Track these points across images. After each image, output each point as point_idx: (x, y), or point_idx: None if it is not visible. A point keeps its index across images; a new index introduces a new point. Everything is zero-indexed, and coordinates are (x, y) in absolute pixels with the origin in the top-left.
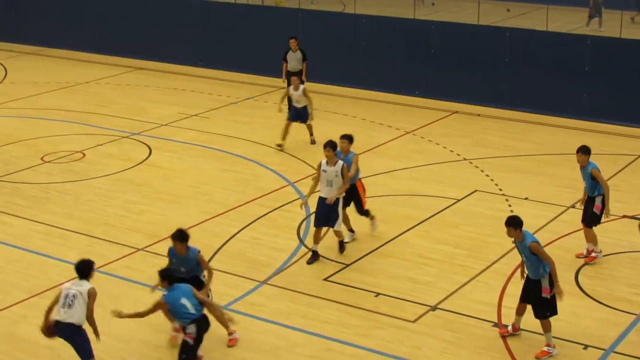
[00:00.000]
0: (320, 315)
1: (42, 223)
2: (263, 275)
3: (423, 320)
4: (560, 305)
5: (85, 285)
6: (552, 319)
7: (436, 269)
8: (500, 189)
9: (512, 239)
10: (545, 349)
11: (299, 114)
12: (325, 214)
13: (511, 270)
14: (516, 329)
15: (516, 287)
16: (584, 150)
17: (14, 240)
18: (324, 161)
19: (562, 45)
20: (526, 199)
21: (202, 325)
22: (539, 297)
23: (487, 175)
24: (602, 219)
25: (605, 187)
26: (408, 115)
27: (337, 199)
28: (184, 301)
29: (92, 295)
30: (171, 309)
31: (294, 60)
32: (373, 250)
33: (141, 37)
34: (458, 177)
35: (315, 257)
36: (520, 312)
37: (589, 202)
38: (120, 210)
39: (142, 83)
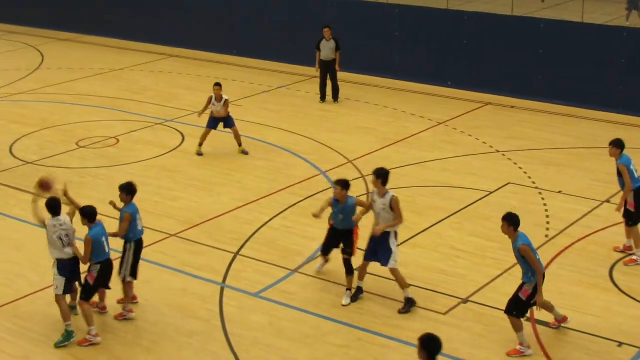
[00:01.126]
0: (351, 305)
1: None
2: (294, 263)
3: (454, 313)
4: (593, 301)
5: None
6: (584, 314)
7: (468, 262)
8: (534, 182)
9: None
10: (518, 347)
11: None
12: (372, 248)
13: (544, 265)
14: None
15: (549, 281)
16: (616, 144)
17: None
18: (375, 190)
19: (598, 37)
20: (560, 192)
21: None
22: (517, 294)
23: (520, 168)
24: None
25: (626, 184)
26: (440, 106)
27: (388, 234)
28: (104, 240)
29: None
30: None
31: (327, 49)
32: (405, 242)
33: (175, 24)
34: (490, 169)
35: (358, 293)
36: None
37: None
38: (153, 196)
39: (176, 70)
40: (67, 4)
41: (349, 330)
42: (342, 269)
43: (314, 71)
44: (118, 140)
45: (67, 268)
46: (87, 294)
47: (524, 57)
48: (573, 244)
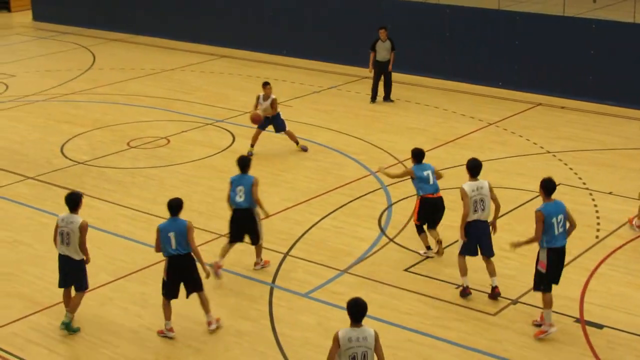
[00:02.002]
0: (400, 306)
1: (128, 207)
2: (344, 264)
3: (504, 314)
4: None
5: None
6: (635, 316)
7: (518, 262)
8: (584, 183)
9: None
10: (543, 327)
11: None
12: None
13: (594, 266)
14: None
15: (599, 282)
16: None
17: (101, 223)
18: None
19: None
20: (610, 193)
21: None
22: (536, 268)
23: (571, 169)
24: None
25: None
26: (490, 106)
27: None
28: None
29: (83, 229)
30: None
31: (383, 50)
32: (455, 242)
33: (226, 25)
34: (540, 170)
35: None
36: None
37: None
38: (204, 196)
39: (226, 71)
40: (120, 4)
41: (398, 330)
42: (390, 269)
43: (366, 71)
44: (169, 141)
45: (61, 264)
46: (162, 290)
47: (575, 58)
48: (623, 245)
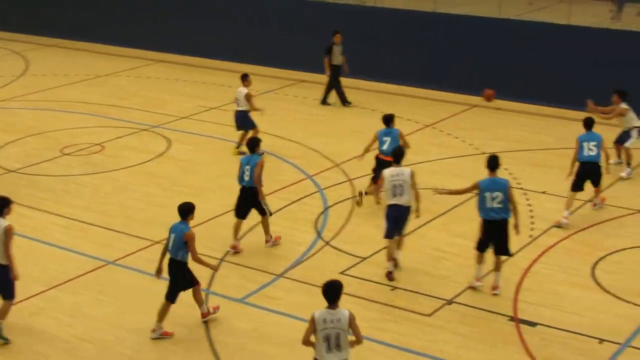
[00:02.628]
0: None
1: (61, 216)
2: (280, 268)
3: (439, 314)
4: (577, 299)
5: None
6: (568, 313)
7: (453, 263)
8: (519, 183)
9: None
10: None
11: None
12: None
13: (528, 264)
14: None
15: (533, 280)
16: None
17: (34, 233)
18: None
19: (584, 39)
20: (544, 192)
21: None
22: None
23: (506, 169)
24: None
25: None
26: (427, 108)
27: None
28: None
29: (8, 233)
30: None
31: (339, 54)
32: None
33: (162, 29)
34: (476, 171)
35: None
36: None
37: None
38: (139, 203)
39: (162, 76)
40: (52, 9)
41: None
42: (326, 272)
43: (302, 75)
44: (103, 147)
45: None
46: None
47: (510, 59)
48: (557, 243)
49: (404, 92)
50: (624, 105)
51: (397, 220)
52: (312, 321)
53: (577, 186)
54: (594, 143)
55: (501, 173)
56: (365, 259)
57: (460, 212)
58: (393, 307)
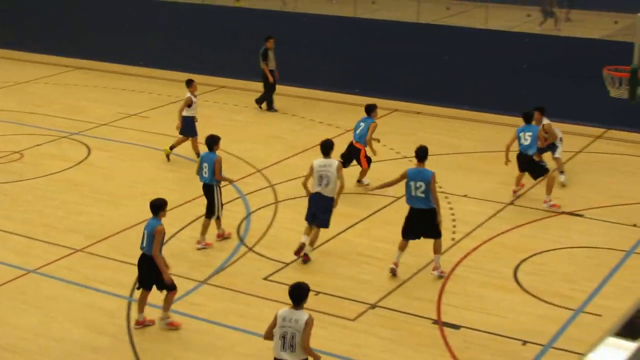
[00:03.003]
0: (259, 315)
1: None
2: (202, 275)
3: (363, 319)
4: (499, 302)
5: None
6: (490, 315)
7: (376, 267)
8: (440, 187)
9: None
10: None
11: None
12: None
13: (450, 267)
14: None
15: (455, 283)
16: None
17: None
18: None
19: (501, 43)
20: (465, 196)
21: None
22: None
23: None
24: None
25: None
26: (348, 113)
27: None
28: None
29: None
30: None
31: (273, 60)
32: (313, 249)
33: (80, 36)
34: (398, 175)
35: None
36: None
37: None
38: (59, 211)
39: (82, 83)
40: None
41: (258, 339)
42: (249, 278)
43: (223, 81)
44: (22, 155)
45: None
46: None
47: (430, 64)
48: (478, 246)
49: (325, 98)
50: (546, 121)
51: (317, 207)
52: (275, 317)
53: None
54: (529, 133)
55: None
56: (288, 264)
57: (381, 217)
58: (317, 312)
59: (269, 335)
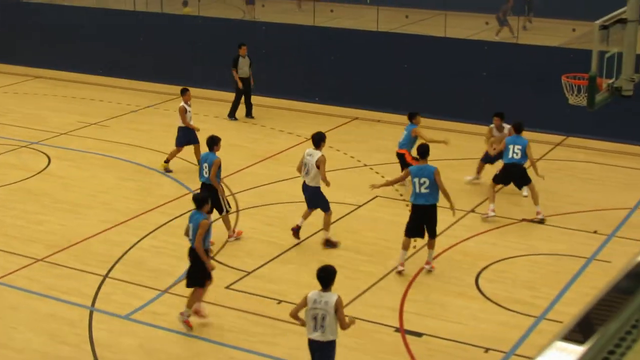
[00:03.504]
0: (222, 324)
1: None
2: (164, 284)
3: None
4: (460, 309)
5: None
6: (452, 323)
7: (338, 275)
8: (401, 195)
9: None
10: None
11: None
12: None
13: (412, 275)
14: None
15: (417, 290)
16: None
17: None
18: None
19: (460, 51)
20: None
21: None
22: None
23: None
24: None
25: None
26: (308, 121)
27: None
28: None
29: None
30: None
31: (245, 66)
32: (274, 258)
33: (40, 45)
34: (359, 183)
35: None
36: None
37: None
38: (18, 220)
39: (41, 92)
40: None
41: (220, 349)
42: (211, 287)
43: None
44: None
45: None
46: None
47: (390, 72)
48: (440, 254)
49: (285, 106)
50: (506, 126)
51: (307, 195)
52: (305, 299)
53: (498, 179)
54: (519, 147)
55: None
56: (250, 272)
57: (343, 225)
58: (280, 321)
59: (294, 315)
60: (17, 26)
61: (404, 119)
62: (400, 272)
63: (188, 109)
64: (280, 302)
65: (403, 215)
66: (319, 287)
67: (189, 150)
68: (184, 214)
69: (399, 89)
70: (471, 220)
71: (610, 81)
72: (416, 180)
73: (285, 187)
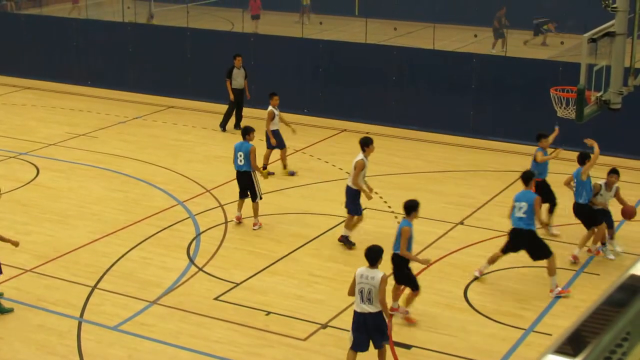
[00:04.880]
0: (210, 335)
1: None
2: (152, 295)
3: (314, 338)
4: (449, 321)
5: None
6: (441, 335)
7: (326, 287)
8: (389, 206)
9: None
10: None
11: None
12: None
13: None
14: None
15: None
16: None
17: None
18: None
19: (449, 63)
20: None
21: None
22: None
23: (376, 193)
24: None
25: None
26: (297, 133)
27: None
28: None
29: None
30: None
31: (239, 77)
32: (263, 269)
33: (28, 55)
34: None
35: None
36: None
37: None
38: (7, 231)
39: (30, 103)
40: None
41: (209, 359)
42: (199, 298)
43: (172, 101)
44: None
45: None
46: None
47: (377, 84)
48: (428, 266)
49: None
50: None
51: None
52: (355, 276)
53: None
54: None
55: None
56: (238, 284)
57: (331, 237)
58: (268, 332)
59: (351, 292)
60: (6, 37)
61: (393, 131)
62: (477, 277)
63: (276, 112)
64: (268, 313)
65: (391, 227)
66: (306, 299)
67: (174, 160)
68: (173, 224)
69: (387, 101)
70: (459, 233)
71: (599, 94)
72: (516, 204)
73: (274, 198)
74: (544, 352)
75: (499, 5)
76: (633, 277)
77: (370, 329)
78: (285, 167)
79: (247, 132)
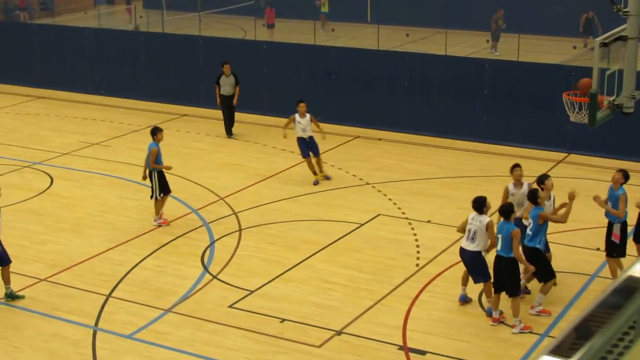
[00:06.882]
0: (224, 342)
1: None
2: (167, 303)
3: (328, 345)
4: (464, 327)
5: None
6: (455, 340)
7: (341, 294)
8: (403, 213)
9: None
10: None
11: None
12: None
13: (415, 293)
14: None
15: (420, 309)
16: (625, 173)
17: None
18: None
19: (461, 69)
20: (429, 221)
21: None
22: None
23: (390, 199)
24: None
25: (620, 213)
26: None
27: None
28: None
29: None
30: None
31: (227, 85)
32: (277, 276)
33: (41, 65)
34: (361, 201)
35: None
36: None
37: (608, 227)
38: (21, 240)
39: (43, 112)
40: None
41: None
42: (214, 306)
43: (183, 109)
44: None
45: None
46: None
47: (390, 90)
48: (443, 271)
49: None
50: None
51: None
52: (468, 218)
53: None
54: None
55: (386, 203)
56: (253, 291)
57: (344, 244)
58: (282, 339)
59: (460, 230)
60: (19, 47)
61: (405, 137)
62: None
63: (299, 119)
64: (283, 320)
65: (406, 233)
66: (320, 306)
67: (188, 167)
68: (187, 232)
69: (400, 107)
70: None
71: (611, 98)
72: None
73: (287, 205)
74: (539, 353)
75: (506, 9)
76: (631, 278)
77: (467, 264)
78: (315, 173)
79: (154, 133)
